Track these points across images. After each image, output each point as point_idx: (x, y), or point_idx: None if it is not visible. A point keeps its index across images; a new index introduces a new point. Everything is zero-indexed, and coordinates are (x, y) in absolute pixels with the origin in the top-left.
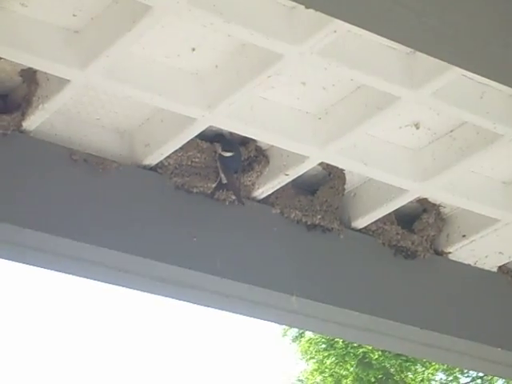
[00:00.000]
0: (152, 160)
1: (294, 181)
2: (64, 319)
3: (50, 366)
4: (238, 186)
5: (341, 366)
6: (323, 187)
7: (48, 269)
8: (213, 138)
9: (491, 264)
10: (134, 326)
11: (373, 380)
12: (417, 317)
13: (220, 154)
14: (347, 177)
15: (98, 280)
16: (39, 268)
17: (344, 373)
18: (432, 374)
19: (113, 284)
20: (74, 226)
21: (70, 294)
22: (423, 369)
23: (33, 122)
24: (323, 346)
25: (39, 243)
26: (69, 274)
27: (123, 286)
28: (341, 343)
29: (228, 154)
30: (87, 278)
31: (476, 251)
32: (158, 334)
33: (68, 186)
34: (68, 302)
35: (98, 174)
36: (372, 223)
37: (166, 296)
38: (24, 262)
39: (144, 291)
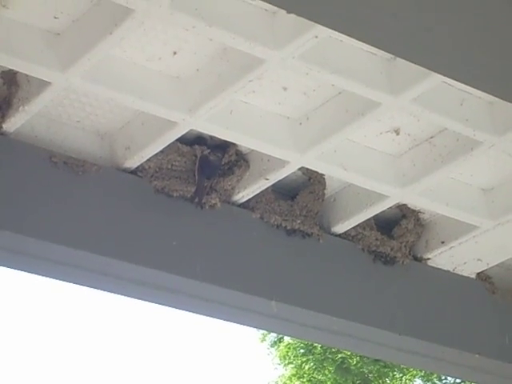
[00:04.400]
0: (132, 163)
1: (274, 185)
2: (56, 325)
3: (46, 373)
4: (203, 189)
5: (319, 371)
6: (303, 192)
7: (23, 271)
8: (196, 140)
9: (469, 271)
10: (110, 328)
11: None
12: (395, 322)
13: (203, 155)
14: (327, 182)
15: (76, 283)
16: (13, 270)
17: (322, 378)
18: (410, 380)
19: (90, 287)
20: (52, 228)
21: (63, 298)
22: (401, 375)
23: (13, 123)
24: (302, 351)
25: (15, 245)
26: (44, 276)
27: (101, 290)
28: (319, 348)
29: (212, 157)
30: (64, 280)
31: (455, 258)
32: (138, 339)
33: (47, 188)
34: (60, 307)
35: (78, 176)
36: (351, 228)
37: (145, 300)
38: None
39: (122, 295)
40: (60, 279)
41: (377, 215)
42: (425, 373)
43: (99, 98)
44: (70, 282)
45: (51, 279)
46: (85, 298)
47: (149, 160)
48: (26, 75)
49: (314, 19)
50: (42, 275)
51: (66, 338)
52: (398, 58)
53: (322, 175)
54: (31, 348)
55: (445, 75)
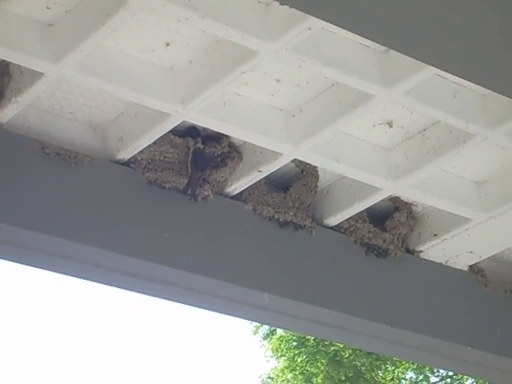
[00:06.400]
0: (125, 154)
1: (266, 177)
2: (51, 318)
3: (44, 367)
4: (197, 181)
5: (312, 363)
6: (296, 184)
7: (14, 262)
8: (190, 132)
9: (462, 263)
10: (104, 321)
11: (343, 378)
12: (387, 315)
13: (197, 148)
14: (320, 174)
15: (67, 274)
16: (4, 261)
17: (315, 371)
18: (402, 373)
19: (82, 278)
20: (44, 219)
21: (57, 291)
22: (393, 367)
23: (5, 114)
24: (294, 343)
25: (7, 236)
26: (36, 267)
27: (92, 281)
28: (312, 341)
29: (207, 150)
30: (55, 272)
31: (447, 250)
32: (130, 332)
33: (40, 179)
34: (55, 300)
35: (71, 167)
36: (344, 221)
37: (137, 291)
38: None
39: (114, 286)
40: (52, 270)
41: (369, 208)
42: (417, 365)
43: (92, 89)
44: (62, 273)
45: (43, 270)
46: (76, 289)
47: (141, 151)
48: (19, 66)
49: (307, 11)
50: (34, 266)
51: (60, 332)
52: (391, 51)
53: (314, 167)
54: (26, 341)
55: (438, 68)
